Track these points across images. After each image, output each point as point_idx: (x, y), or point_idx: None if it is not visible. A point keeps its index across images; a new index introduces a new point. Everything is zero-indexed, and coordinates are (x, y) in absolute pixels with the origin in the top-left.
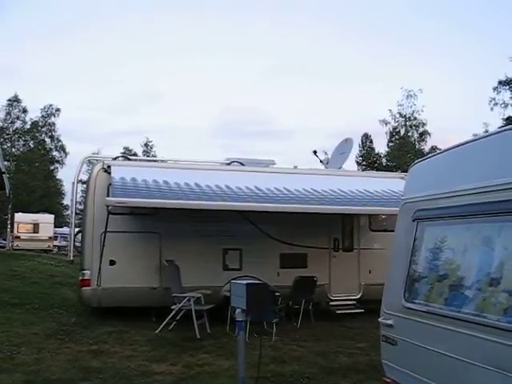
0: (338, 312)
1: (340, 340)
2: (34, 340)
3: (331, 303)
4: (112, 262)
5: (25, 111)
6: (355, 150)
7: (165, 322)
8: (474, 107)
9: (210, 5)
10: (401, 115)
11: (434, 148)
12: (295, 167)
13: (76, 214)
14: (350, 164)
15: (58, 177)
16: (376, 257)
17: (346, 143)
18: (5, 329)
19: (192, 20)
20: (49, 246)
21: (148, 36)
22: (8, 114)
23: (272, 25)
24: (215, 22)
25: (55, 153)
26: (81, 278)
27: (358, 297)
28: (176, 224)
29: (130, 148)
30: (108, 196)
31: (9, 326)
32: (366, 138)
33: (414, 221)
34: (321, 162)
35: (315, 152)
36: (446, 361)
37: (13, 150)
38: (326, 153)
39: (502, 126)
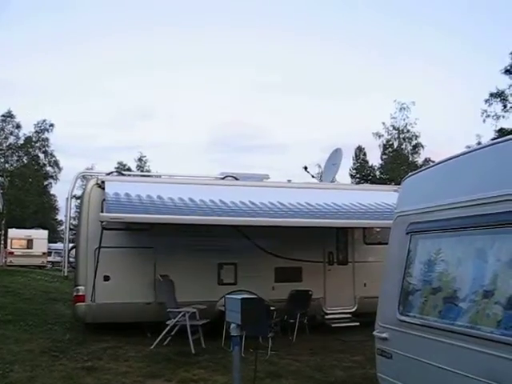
0: (334, 325)
1: (335, 353)
2: (27, 357)
3: (326, 317)
4: (106, 278)
5: (18, 127)
6: (349, 163)
7: (160, 338)
8: (466, 119)
9: (204, 20)
10: (394, 128)
11: (427, 160)
12: (289, 181)
13: (70, 229)
14: (344, 177)
15: (51, 192)
16: (371, 270)
17: (336, 153)
18: None
19: (186, 35)
20: (43, 262)
21: (141, 51)
22: (1, 129)
23: (265, 40)
24: (209, 37)
25: (49, 168)
26: (75, 293)
27: (354, 310)
28: (170, 239)
29: (124, 163)
30: (102, 211)
31: (2, 343)
32: (360, 151)
33: (407, 234)
34: (312, 177)
35: (306, 168)
36: (440, 374)
37: (6, 165)
38: (319, 166)
39: (495, 138)
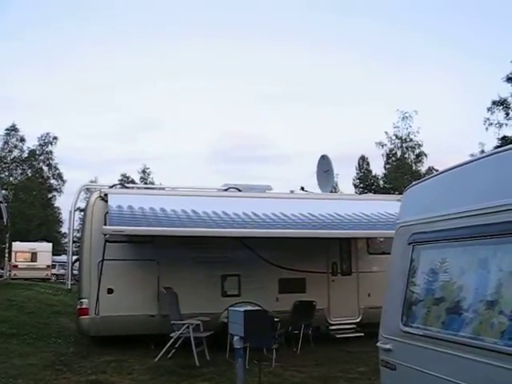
0: (338, 336)
1: (340, 364)
2: (31, 371)
3: (331, 327)
4: (110, 291)
5: (22, 140)
6: (353, 173)
7: (164, 350)
8: (470, 127)
9: (206, 32)
10: (397, 137)
11: (430, 169)
12: (292, 192)
13: (74, 242)
14: (348, 186)
15: (55, 205)
16: (375, 280)
17: (324, 160)
18: (1, 360)
19: (190, 46)
20: (47, 275)
21: (145, 63)
22: (6, 143)
23: (266, 50)
24: (211, 49)
25: (53, 181)
26: (79, 306)
27: (358, 320)
28: (173, 251)
29: (128, 175)
30: (105, 224)
31: (5, 357)
32: (363, 161)
33: (409, 244)
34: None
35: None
36: None
37: (10, 178)
38: None
39: (498, 146)
